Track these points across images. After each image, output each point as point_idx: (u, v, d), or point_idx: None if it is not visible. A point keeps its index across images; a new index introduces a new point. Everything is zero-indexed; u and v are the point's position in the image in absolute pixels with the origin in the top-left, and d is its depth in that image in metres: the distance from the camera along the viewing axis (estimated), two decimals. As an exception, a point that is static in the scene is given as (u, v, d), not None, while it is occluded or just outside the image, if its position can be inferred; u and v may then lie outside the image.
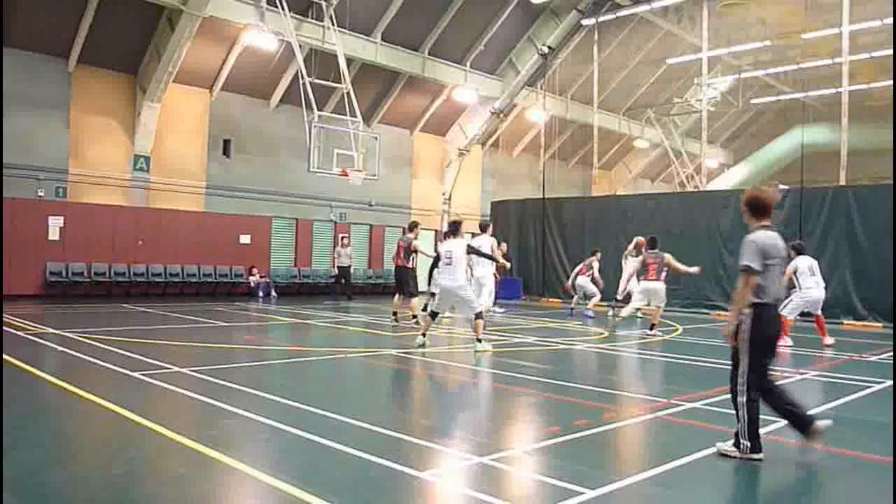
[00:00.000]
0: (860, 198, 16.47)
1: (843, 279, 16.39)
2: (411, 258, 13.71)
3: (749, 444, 4.74)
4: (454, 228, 10.57)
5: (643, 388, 8.20)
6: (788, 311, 11.74)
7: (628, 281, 16.18)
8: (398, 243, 13.99)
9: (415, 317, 13.55)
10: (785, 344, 11.56)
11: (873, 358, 10.65)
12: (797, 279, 11.87)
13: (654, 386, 8.32)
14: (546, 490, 4.21)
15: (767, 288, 4.85)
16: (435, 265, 14.78)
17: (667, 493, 4.26)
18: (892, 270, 15.14)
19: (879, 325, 15.63)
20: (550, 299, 21.57)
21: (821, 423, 4.85)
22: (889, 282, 15.42)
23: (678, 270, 13.15)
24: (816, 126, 28.66)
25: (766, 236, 5.00)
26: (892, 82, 24.56)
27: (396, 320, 13.74)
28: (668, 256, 13.07)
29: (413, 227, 14.05)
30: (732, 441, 4.85)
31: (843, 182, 17.76)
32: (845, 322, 16.10)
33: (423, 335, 10.42)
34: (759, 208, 5.20)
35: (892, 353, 11.07)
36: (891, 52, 23.24)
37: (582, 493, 4.04)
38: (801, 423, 4.87)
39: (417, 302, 13.81)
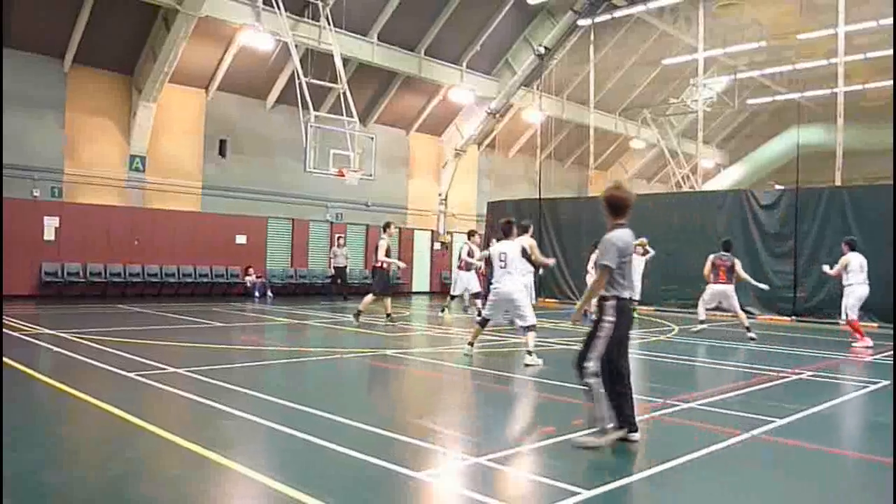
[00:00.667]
0: (855, 198, 16.51)
1: (839, 280, 16.39)
2: (387, 257, 13.90)
3: (614, 422, 4.94)
4: (507, 229, 9.47)
5: (639, 388, 8.18)
6: (851, 310, 12.04)
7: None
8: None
9: (388, 315, 13.85)
10: (865, 345, 11.77)
11: (869, 358, 10.68)
12: (846, 274, 12.09)
13: (651, 386, 8.32)
14: (542, 490, 4.22)
15: (625, 282, 5.15)
16: (468, 268, 14.97)
17: (663, 493, 4.27)
18: (892, 270, 15.16)
19: (875, 325, 15.65)
20: (547, 299, 21.58)
21: (634, 436, 5.07)
22: (886, 282, 15.45)
23: (741, 278, 13.26)
24: (812, 126, 28.72)
25: (623, 234, 5.24)
26: (886, 83, 24.70)
27: (392, 320, 13.78)
28: (737, 263, 13.19)
29: (386, 227, 14.25)
30: (589, 432, 5.04)
31: (838, 182, 17.80)
32: (841, 322, 16.12)
33: (471, 344, 9.61)
34: (618, 207, 5.31)
35: (887, 353, 11.11)
36: (885, 52, 23.35)
37: (578, 494, 4.04)
38: (622, 419, 5.06)
39: (389, 302, 14.06)
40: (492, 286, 9.52)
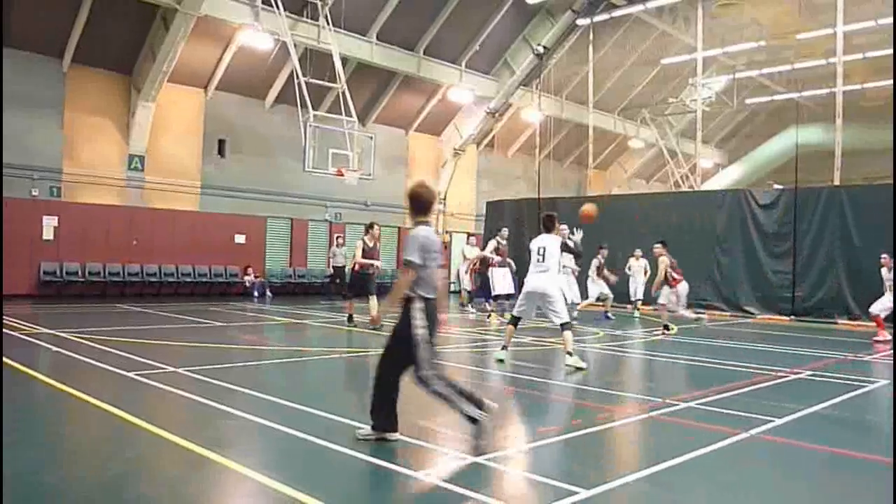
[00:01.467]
0: (854, 198, 16.52)
1: (838, 279, 16.46)
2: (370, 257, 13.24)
3: (472, 411, 4.86)
4: (550, 223, 9.07)
5: (638, 387, 8.21)
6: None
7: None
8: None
9: (350, 318, 13.44)
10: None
11: (868, 357, 10.69)
12: None
13: (649, 386, 8.33)
14: (541, 490, 4.22)
15: (428, 281, 5.01)
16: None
17: (661, 492, 4.27)
18: (892, 272, 15.15)
19: (873, 324, 15.66)
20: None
21: (391, 435, 5.02)
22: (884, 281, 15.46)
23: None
24: (811, 126, 28.75)
25: (426, 231, 5.09)
26: (885, 82, 24.71)
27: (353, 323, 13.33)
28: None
29: (368, 228, 13.54)
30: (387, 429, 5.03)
31: (837, 182, 17.82)
32: (839, 321, 16.15)
33: (505, 348, 9.17)
34: (421, 205, 5.13)
35: (886, 353, 11.12)
36: (884, 52, 23.36)
37: (577, 493, 4.04)
38: (391, 422, 5.04)
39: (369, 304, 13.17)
40: (526, 281, 9.15)
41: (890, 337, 12.23)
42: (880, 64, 24.76)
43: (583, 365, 8.56)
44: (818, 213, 16.89)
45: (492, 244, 15.70)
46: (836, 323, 16.09)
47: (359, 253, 13.18)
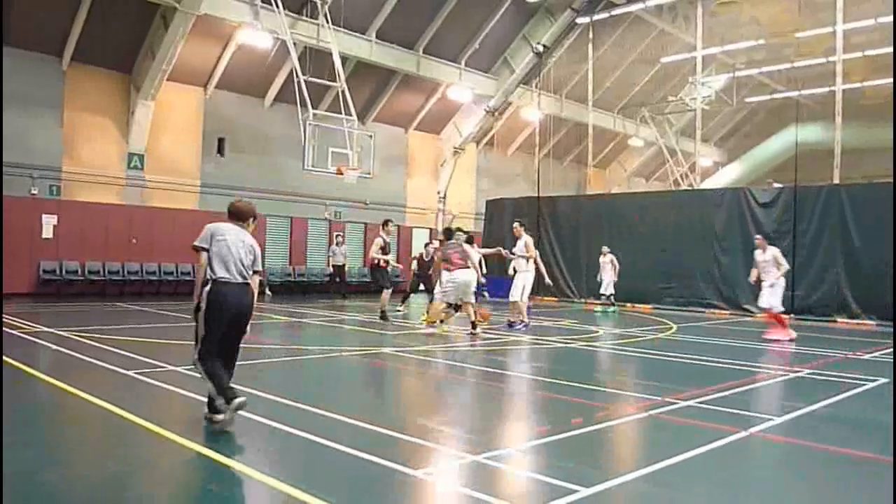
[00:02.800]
0: (853, 196, 16.53)
1: (837, 277, 16.47)
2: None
3: (224, 398, 5.23)
4: (469, 238, 11.02)
5: (637, 386, 8.22)
6: (779, 302, 12.24)
7: None
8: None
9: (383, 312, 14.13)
10: (789, 337, 12.14)
11: (867, 356, 10.70)
12: (777, 268, 12.29)
13: (648, 384, 8.33)
14: (540, 488, 4.22)
15: (218, 266, 5.53)
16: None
17: (661, 491, 4.27)
18: (892, 270, 15.18)
19: (872, 323, 15.69)
20: (545, 298, 21.58)
21: (234, 402, 5.22)
22: (883, 280, 15.48)
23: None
24: (810, 124, 28.74)
25: (223, 224, 5.84)
26: (884, 81, 24.70)
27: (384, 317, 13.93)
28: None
29: (384, 225, 14.69)
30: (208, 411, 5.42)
31: (836, 180, 17.83)
32: (839, 320, 16.17)
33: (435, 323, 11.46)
34: (236, 216, 6.00)
35: (885, 351, 11.13)
36: (884, 50, 23.37)
37: (576, 492, 4.05)
38: (227, 394, 5.27)
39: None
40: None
41: (785, 337, 12.14)
42: (880, 62, 24.76)
43: (434, 330, 11.18)
44: (817, 211, 16.90)
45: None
46: (834, 321, 16.11)
47: (375, 248, 14.22)
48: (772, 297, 12.30)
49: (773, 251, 12.41)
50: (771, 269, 12.31)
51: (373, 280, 15.03)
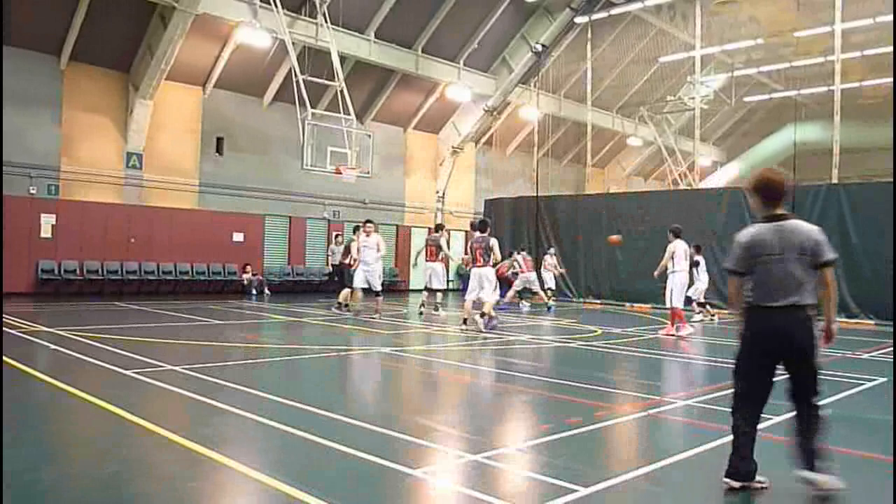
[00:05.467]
0: (852, 195, 16.54)
1: (835, 277, 16.41)
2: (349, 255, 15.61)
3: None
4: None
5: (636, 385, 8.22)
6: (677, 298, 12.44)
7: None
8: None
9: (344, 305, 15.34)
10: (687, 332, 12.41)
11: (866, 355, 10.71)
12: (672, 262, 12.47)
13: (648, 383, 8.33)
14: (539, 488, 4.22)
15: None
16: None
17: (660, 490, 4.28)
18: (892, 270, 15.18)
19: (871, 322, 15.69)
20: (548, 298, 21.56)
21: None
22: (882, 279, 15.49)
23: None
24: (809, 124, 28.70)
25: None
26: (883, 80, 24.72)
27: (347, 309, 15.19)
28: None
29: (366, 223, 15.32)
30: None
31: (834, 180, 17.82)
32: (837, 319, 16.13)
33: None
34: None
35: (885, 351, 11.14)
36: (882, 49, 23.37)
37: (575, 491, 4.05)
38: None
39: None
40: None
41: (681, 333, 12.18)
42: (878, 61, 24.77)
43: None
44: (816, 210, 16.88)
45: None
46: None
47: (354, 250, 15.31)
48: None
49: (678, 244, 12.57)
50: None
51: (339, 277, 16.23)
